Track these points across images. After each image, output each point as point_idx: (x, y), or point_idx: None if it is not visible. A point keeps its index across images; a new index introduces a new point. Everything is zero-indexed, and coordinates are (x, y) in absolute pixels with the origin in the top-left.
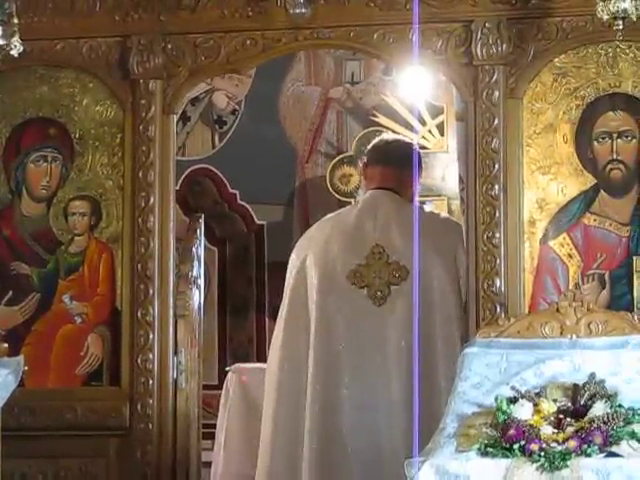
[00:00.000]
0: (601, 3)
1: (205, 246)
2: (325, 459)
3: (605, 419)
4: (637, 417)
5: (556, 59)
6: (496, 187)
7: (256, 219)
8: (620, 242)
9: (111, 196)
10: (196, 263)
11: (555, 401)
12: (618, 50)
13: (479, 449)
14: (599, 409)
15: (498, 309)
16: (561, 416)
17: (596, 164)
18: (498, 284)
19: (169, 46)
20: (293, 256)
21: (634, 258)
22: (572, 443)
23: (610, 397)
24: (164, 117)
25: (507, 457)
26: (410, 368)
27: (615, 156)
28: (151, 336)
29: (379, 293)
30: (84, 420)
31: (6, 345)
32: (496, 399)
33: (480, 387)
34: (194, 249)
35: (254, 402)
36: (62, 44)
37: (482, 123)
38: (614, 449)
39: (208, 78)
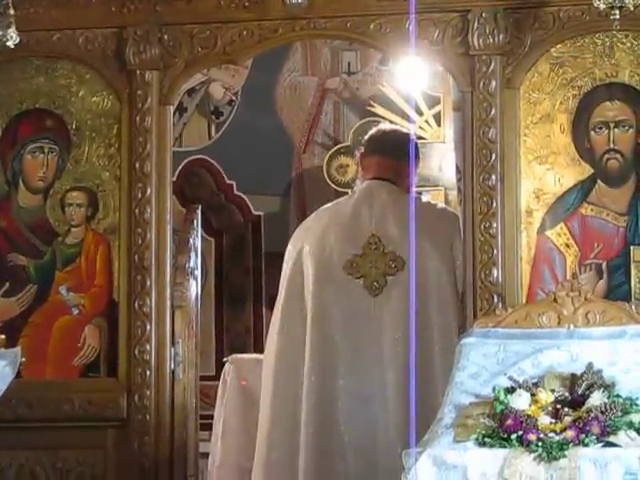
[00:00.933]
0: None
1: (202, 237)
2: (321, 449)
3: (603, 409)
4: (635, 407)
5: (553, 49)
6: (493, 177)
7: (253, 210)
8: (617, 232)
9: (108, 187)
10: (193, 254)
11: (553, 391)
12: (615, 40)
13: (477, 439)
14: (597, 399)
15: (495, 299)
16: (559, 406)
17: (593, 154)
18: (495, 274)
19: (165, 37)
20: (290, 246)
21: (631, 248)
22: (570, 433)
23: (608, 387)
24: (160, 108)
25: (505, 447)
26: (406, 358)
27: (612, 146)
28: (148, 327)
29: (375, 283)
30: (81, 411)
31: (3, 337)
32: (494, 389)
33: (478, 377)
34: (191, 240)
35: (251, 393)
36: (58, 35)
37: (479, 113)
38: (612, 439)
39: (204, 69)
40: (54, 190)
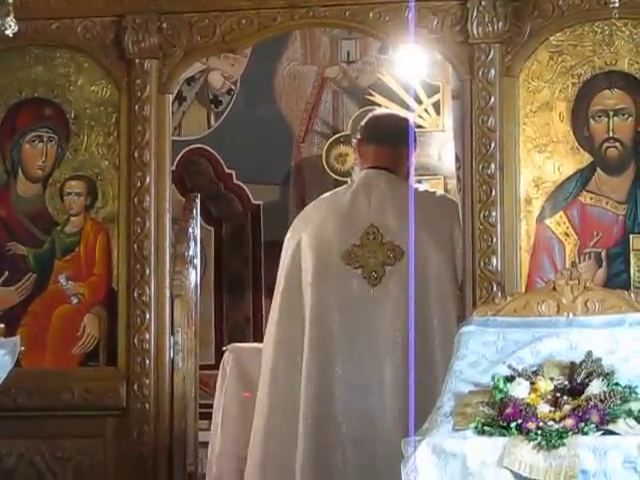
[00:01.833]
0: None
1: (201, 226)
2: (319, 440)
3: (602, 397)
4: (634, 395)
5: (552, 37)
6: (492, 166)
7: (252, 199)
8: (617, 220)
9: (107, 176)
10: (192, 243)
11: (552, 379)
12: (614, 28)
13: (476, 428)
14: (596, 387)
15: (495, 288)
16: (558, 394)
17: (592, 142)
18: (495, 263)
19: (164, 25)
20: (288, 236)
21: (631, 236)
22: (569, 421)
23: (607, 375)
24: (160, 97)
25: (504, 435)
26: (406, 348)
27: (611, 134)
28: (147, 316)
29: (374, 273)
30: (81, 400)
31: (2, 326)
32: (493, 378)
33: (477, 366)
34: (190, 229)
35: (251, 382)
36: (57, 24)
37: (478, 102)
38: (611, 427)
39: (204, 58)
40: (53, 179)
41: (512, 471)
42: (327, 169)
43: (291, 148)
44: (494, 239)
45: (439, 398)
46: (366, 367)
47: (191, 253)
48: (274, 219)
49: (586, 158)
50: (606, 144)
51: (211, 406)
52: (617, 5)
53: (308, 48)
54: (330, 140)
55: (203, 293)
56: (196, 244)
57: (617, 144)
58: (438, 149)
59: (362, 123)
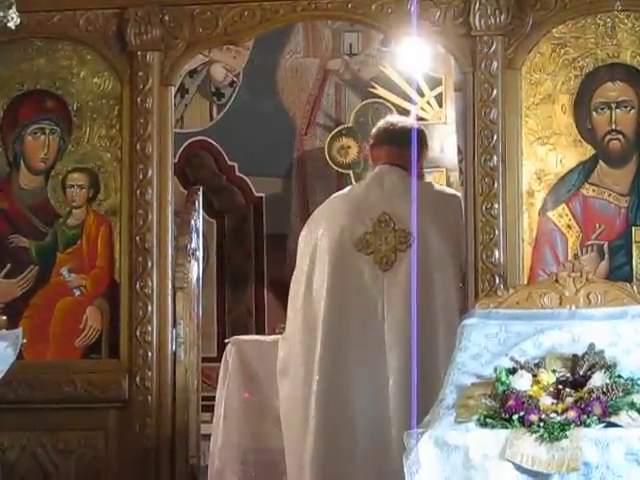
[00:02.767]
0: None
1: (204, 218)
2: (329, 424)
3: (604, 389)
4: (636, 387)
5: (555, 29)
6: (495, 158)
7: (255, 191)
8: (619, 213)
9: (109, 168)
10: (195, 235)
11: (554, 372)
12: (617, 20)
13: (478, 420)
14: (598, 379)
15: (497, 280)
16: (560, 387)
17: (595, 134)
18: (497, 255)
19: (166, 18)
20: (306, 232)
21: (633, 229)
22: (571, 414)
23: (609, 367)
24: (162, 89)
25: (506, 428)
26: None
27: (614, 126)
28: (150, 308)
29: (385, 259)
30: (83, 393)
31: (5, 318)
32: (495, 370)
33: (479, 358)
34: (193, 221)
35: (253, 374)
36: (59, 16)
37: (480, 94)
38: (613, 419)
39: (206, 50)
40: (55, 171)
41: (514, 463)
42: (329, 161)
43: (293, 140)
44: (496, 231)
45: (441, 390)
46: (375, 353)
47: (193, 246)
48: (276, 211)
49: (588, 150)
50: (608, 136)
51: (213, 399)
52: None
53: (310, 40)
54: (332, 132)
55: (205, 286)
56: (198, 237)
57: (619, 136)
58: (440, 142)
59: (374, 130)
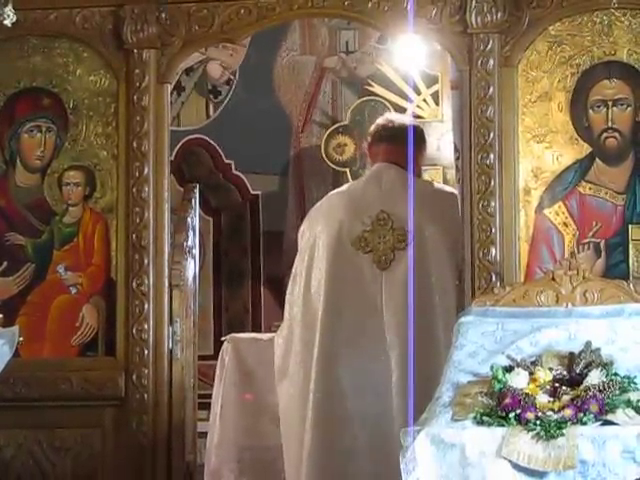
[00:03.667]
0: None
1: (200, 216)
2: (328, 422)
3: (601, 387)
4: (633, 385)
5: (551, 27)
6: (491, 156)
7: (251, 189)
8: (615, 210)
9: (105, 166)
10: (191, 233)
11: (551, 370)
12: (613, 18)
13: (475, 418)
14: (595, 377)
15: (494, 278)
16: (557, 384)
17: (591, 132)
18: (493, 253)
19: (163, 15)
20: (304, 229)
21: (629, 226)
22: (568, 412)
23: (606, 365)
24: (158, 87)
25: (503, 426)
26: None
27: (610, 124)
28: (146, 306)
29: (383, 257)
30: (79, 390)
31: (1, 315)
32: (492, 368)
33: (476, 356)
34: (189, 219)
35: (250, 372)
36: (55, 14)
37: (477, 92)
38: (610, 417)
39: (202, 47)
40: (52, 169)
41: (511, 461)
42: (326, 159)
43: (290, 138)
44: (493, 229)
45: (438, 388)
46: (373, 351)
47: (190, 243)
48: (273, 209)
49: (585, 148)
50: (605, 134)
51: (210, 396)
52: None
53: (307, 38)
54: (329, 130)
55: (202, 283)
56: (195, 234)
57: (616, 134)
58: (437, 139)
59: (372, 128)
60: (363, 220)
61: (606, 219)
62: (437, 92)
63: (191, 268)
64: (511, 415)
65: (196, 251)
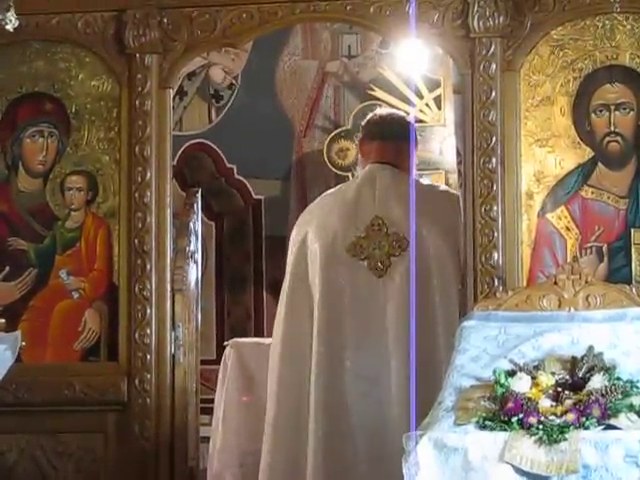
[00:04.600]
0: None
1: (202, 221)
2: (330, 431)
3: (603, 392)
4: (635, 390)
5: (553, 31)
6: (493, 160)
7: (253, 193)
8: (618, 215)
9: (107, 171)
10: (193, 238)
11: (553, 374)
12: (615, 22)
13: (477, 422)
14: (597, 382)
15: (496, 282)
16: (559, 389)
17: (594, 136)
18: (496, 257)
19: (165, 20)
20: (294, 232)
21: (632, 231)
22: (570, 416)
23: (608, 370)
24: (160, 91)
25: (505, 430)
26: (409, 339)
27: (613, 128)
28: (148, 311)
29: (379, 264)
30: (82, 395)
31: (3, 320)
32: (494, 372)
33: (478, 360)
34: (191, 224)
35: (252, 377)
36: (57, 19)
37: (479, 96)
38: (612, 422)
39: (204, 52)
40: (54, 174)
41: (513, 466)
42: (328, 164)
43: (292, 143)
44: (495, 234)
45: (440, 393)
46: (373, 358)
47: (192, 248)
48: (275, 214)
49: (587, 152)
50: (607, 138)
51: (212, 401)
52: None
53: (309, 43)
54: (331, 135)
55: (204, 288)
56: (197, 239)
57: (618, 138)
58: (439, 144)
59: (364, 123)
60: (357, 226)
61: (609, 223)
62: (439, 96)
63: (193, 273)
64: (514, 419)
65: (198, 256)
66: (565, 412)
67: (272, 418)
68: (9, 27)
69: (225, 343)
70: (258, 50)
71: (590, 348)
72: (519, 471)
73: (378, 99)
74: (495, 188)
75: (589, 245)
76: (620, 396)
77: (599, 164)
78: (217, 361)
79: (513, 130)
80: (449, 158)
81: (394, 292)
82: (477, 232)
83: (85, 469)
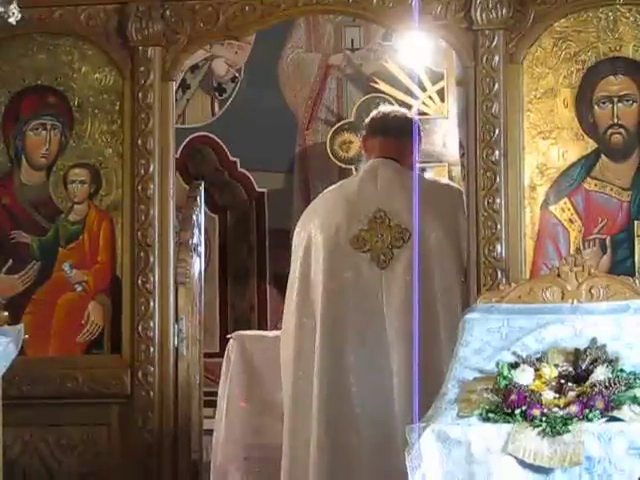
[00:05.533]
0: None
1: (206, 214)
2: (334, 424)
3: (607, 384)
4: (638, 381)
5: (556, 23)
6: (496, 152)
7: (257, 186)
8: (621, 207)
9: (110, 164)
10: (197, 231)
11: (556, 366)
12: (618, 14)
13: (480, 414)
14: (600, 374)
15: (499, 275)
16: (562, 381)
17: (597, 128)
18: (499, 250)
19: (167, 13)
20: (298, 229)
21: (635, 223)
22: (573, 408)
23: (611, 362)
24: (163, 84)
25: (509, 422)
26: (411, 331)
27: (616, 120)
28: (152, 304)
29: (382, 256)
30: (85, 388)
31: (6, 313)
32: (497, 364)
33: (481, 352)
34: (194, 217)
35: (256, 369)
36: (60, 11)
37: (482, 88)
38: (615, 414)
39: (207, 45)
40: (57, 167)
41: (516, 458)
42: (331, 156)
43: (295, 135)
44: (498, 226)
45: (443, 385)
46: (376, 350)
47: (195, 241)
48: (279, 207)
49: (590, 144)
50: (610, 130)
51: (216, 394)
52: None
53: (312, 35)
54: (334, 127)
55: (207, 281)
56: (200, 232)
57: (621, 130)
58: (442, 136)
59: (367, 120)
60: (360, 219)
61: (612, 215)
62: (442, 89)
63: (197, 266)
64: (517, 412)
65: (201, 249)
66: (568, 404)
67: (288, 416)
68: (12, 20)
69: (228, 336)
70: (261, 43)
71: (593, 340)
72: (522, 463)
73: (381, 92)
74: (498, 180)
75: (592, 237)
76: (623, 388)
77: (602, 156)
78: (220, 354)
79: (516, 122)
80: (452, 151)
81: (396, 283)
82: (480, 224)
83: (88, 461)
